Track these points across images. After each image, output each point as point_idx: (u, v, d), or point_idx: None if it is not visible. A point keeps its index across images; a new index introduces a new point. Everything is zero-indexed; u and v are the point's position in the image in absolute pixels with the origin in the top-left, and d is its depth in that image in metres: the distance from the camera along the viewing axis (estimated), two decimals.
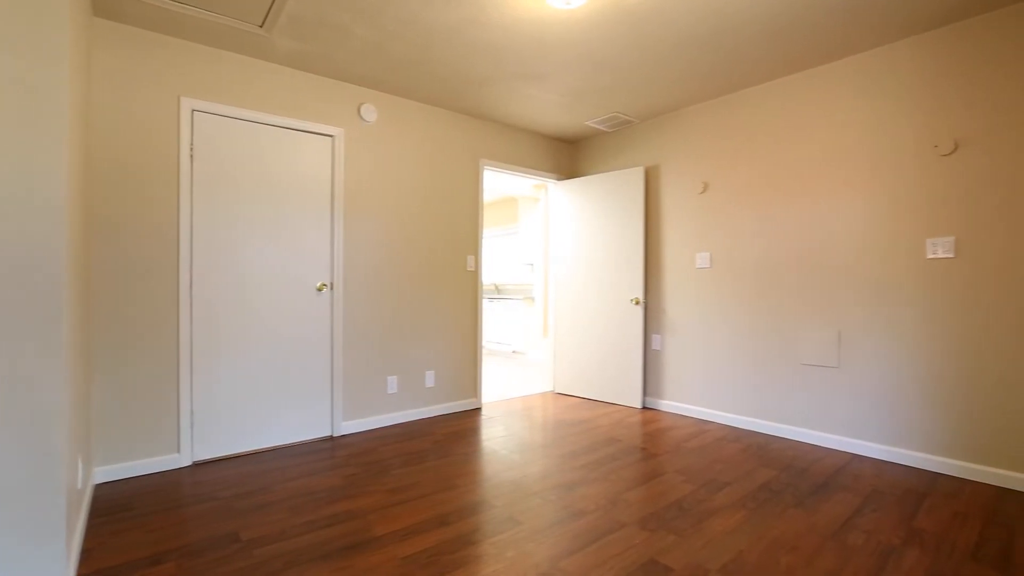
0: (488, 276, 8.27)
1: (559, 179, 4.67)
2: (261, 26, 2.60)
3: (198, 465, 2.73)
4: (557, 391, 4.62)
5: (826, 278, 3.05)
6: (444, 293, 3.84)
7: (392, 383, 3.53)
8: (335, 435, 3.26)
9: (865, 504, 2.24)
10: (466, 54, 2.93)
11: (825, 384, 3.05)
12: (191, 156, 2.74)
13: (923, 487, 2.42)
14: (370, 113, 3.39)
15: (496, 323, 7.45)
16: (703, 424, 3.53)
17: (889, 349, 2.80)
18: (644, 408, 4.01)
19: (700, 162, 3.72)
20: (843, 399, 2.98)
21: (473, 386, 4.04)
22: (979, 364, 2.51)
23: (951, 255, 2.58)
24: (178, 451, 2.70)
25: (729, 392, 3.53)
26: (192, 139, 2.74)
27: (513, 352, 7.17)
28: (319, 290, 3.20)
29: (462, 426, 3.49)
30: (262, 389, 2.98)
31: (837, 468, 2.67)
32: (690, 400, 3.77)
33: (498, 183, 6.12)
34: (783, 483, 2.48)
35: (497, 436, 3.26)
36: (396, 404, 3.57)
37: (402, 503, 2.25)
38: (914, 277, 2.71)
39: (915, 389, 2.71)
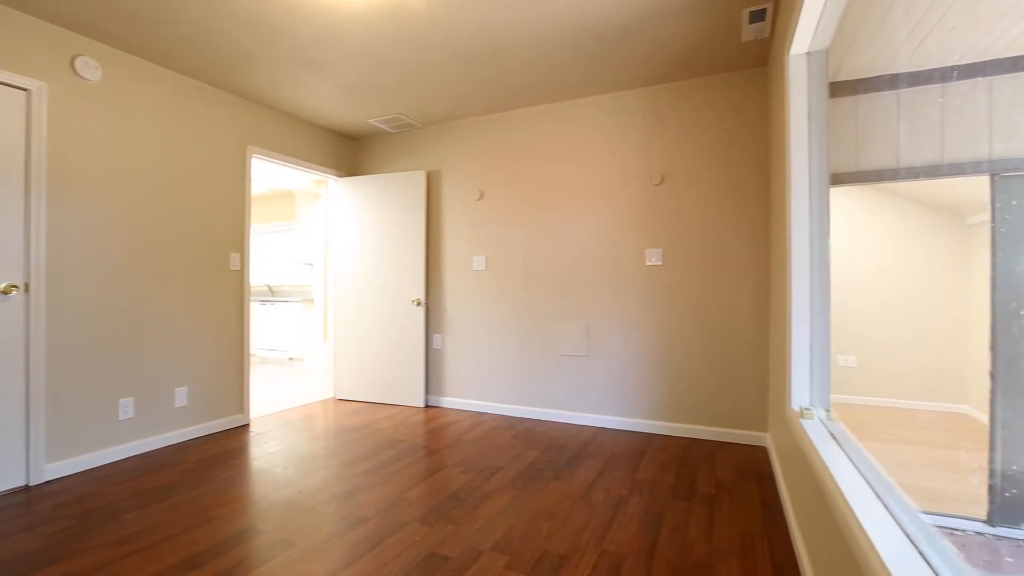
0: (260, 276, 7.39)
1: (340, 176, 4.46)
2: None
3: None
4: (339, 397, 4.40)
5: (578, 280, 3.59)
6: (201, 295, 3.29)
7: (126, 407, 2.88)
8: (33, 483, 2.50)
9: (605, 467, 2.72)
10: (230, 24, 2.57)
11: (578, 371, 3.60)
12: None
13: (643, 446, 3.05)
14: (90, 70, 2.70)
15: (270, 328, 6.71)
16: (480, 416, 3.80)
17: (623, 338, 3.45)
18: (427, 407, 4.11)
19: (478, 171, 3.99)
20: (591, 383, 3.55)
21: (239, 400, 3.56)
22: (679, 346, 3.28)
23: (660, 262, 3.32)
24: None
25: (502, 384, 3.88)
26: None
27: (290, 359, 6.57)
28: (5, 293, 2.42)
29: (224, 447, 3.05)
30: None
31: (586, 441, 3.18)
32: (469, 395, 4.01)
33: (273, 175, 5.52)
34: (545, 461, 2.83)
35: (268, 453, 2.95)
36: (132, 432, 2.92)
37: (137, 553, 1.86)
38: (639, 280, 3.40)
39: (639, 369, 3.40)
